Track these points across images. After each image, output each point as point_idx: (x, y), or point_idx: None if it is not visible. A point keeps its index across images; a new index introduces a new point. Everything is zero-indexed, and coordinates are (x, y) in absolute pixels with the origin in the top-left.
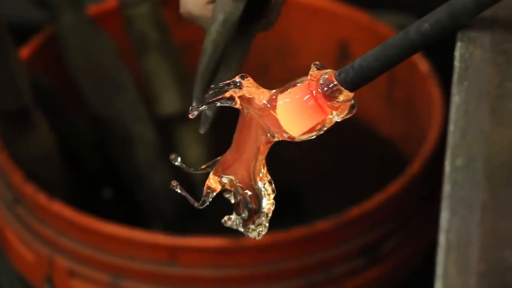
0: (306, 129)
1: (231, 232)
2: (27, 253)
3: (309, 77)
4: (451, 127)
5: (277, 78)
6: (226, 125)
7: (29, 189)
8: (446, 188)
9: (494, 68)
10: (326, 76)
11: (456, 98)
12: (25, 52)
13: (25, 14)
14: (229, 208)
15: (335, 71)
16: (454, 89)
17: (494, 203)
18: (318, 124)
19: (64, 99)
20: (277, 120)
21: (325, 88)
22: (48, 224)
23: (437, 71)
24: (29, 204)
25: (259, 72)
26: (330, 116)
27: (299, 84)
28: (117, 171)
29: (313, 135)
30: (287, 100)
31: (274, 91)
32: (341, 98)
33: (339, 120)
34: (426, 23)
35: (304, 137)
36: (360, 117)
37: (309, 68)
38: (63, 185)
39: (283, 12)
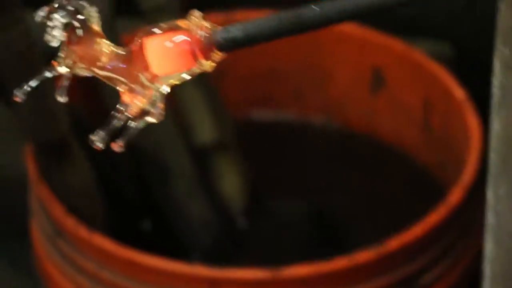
0: (173, 71)
1: (272, 263)
2: (68, 286)
3: (189, 24)
4: (492, 156)
5: (312, 106)
6: (262, 154)
7: (70, 222)
8: (490, 218)
9: None
10: (209, 32)
11: (495, 126)
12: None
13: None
14: (267, 242)
15: (218, 28)
16: (494, 117)
17: None
18: (185, 69)
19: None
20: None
21: (205, 43)
22: (89, 257)
23: (474, 98)
24: (70, 237)
25: (293, 100)
26: (200, 65)
27: (175, 28)
28: (154, 202)
29: (176, 79)
30: (161, 41)
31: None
32: (217, 56)
33: (207, 69)
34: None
35: (167, 80)
36: (395, 145)
37: (344, 96)
38: (102, 217)
39: (316, 40)
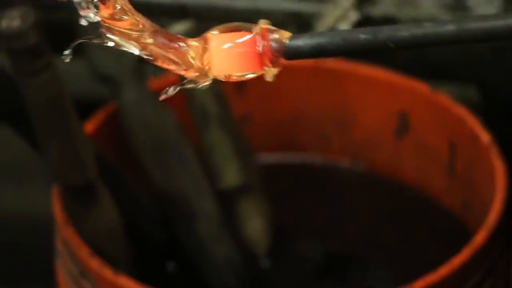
0: (234, 71)
1: None
2: None
3: (258, 29)
4: None
5: (337, 149)
6: (286, 196)
7: (95, 264)
8: None
9: None
10: (277, 37)
11: None
12: (89, 127)
13: (89, 89)
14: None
15: (289, 35)
16: None
17: None
18: (248, 72)
19: (127, 174)
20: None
21: (274, 47)
22: None
23: (499, 141)
24: (95, 278)
25: (319, 143)
26: (264, 71)
27: (243, 30)
28: (180, 244)
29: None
30: (228, 40)
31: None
32: (283, 63)
33: (269, 78)
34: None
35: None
36: (420, 187)
37: (369, 140)
38: (127, 259)
39: (341, 83)
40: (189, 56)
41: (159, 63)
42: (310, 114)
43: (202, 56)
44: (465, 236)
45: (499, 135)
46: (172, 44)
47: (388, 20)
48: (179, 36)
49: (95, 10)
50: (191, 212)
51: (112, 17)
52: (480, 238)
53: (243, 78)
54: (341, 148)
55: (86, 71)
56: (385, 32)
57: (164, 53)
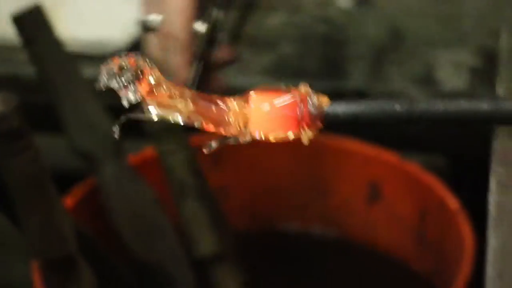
0: (271, 131)
1: None
2: None
3: (299, 93)
4: (489, 271)
5: (312, 217)
6: (262, 264)
7: None
8: None
9: None
10: (317, 102)
11: (492, 242)
12: (69, 201)
13: (68, 163)
14: None
15: (328, 101)
16: (490, 233)
17: None
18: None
19: (106, 247)
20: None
21: (313, 111)
22: None
23: (466, 207)
24: None
25: (295, 212)
26: (302, 132)
27: (284, 93)
28: None
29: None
30: (267, 104)
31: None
32: (319, 127)
33: (305, 141)
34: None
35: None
36: (391, 253)
37: (342, 207)
38: None
39: (317, 154)
40: (229, 115)
41: (202, 126)
42: (285, 184)
43: (241, 115)
44: None
45: (465, 200)
46: (213, 106)
47: (359, 94)
48: (219, 96)
49: (133, 89)
50: (168, 281)
51: (150, 93)
52: None
53: (279, 139)
54: (315, 216)
55: (65, 147)
56: (421, 106)
57: (206, 116)
